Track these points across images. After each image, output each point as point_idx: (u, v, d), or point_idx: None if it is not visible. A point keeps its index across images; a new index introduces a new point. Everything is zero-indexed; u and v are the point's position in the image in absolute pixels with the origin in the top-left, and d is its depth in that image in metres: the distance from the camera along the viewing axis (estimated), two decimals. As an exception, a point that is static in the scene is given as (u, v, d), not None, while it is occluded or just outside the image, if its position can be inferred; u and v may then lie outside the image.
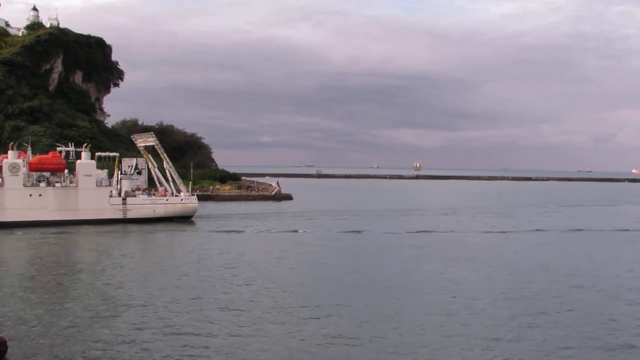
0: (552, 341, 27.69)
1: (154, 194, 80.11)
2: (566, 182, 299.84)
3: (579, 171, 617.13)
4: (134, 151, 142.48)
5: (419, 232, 70.93)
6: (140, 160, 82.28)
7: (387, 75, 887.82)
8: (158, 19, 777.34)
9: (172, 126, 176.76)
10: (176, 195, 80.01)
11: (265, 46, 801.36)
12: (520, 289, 38.97)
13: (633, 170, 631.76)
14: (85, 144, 79.62)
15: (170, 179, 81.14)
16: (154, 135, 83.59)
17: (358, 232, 69.84)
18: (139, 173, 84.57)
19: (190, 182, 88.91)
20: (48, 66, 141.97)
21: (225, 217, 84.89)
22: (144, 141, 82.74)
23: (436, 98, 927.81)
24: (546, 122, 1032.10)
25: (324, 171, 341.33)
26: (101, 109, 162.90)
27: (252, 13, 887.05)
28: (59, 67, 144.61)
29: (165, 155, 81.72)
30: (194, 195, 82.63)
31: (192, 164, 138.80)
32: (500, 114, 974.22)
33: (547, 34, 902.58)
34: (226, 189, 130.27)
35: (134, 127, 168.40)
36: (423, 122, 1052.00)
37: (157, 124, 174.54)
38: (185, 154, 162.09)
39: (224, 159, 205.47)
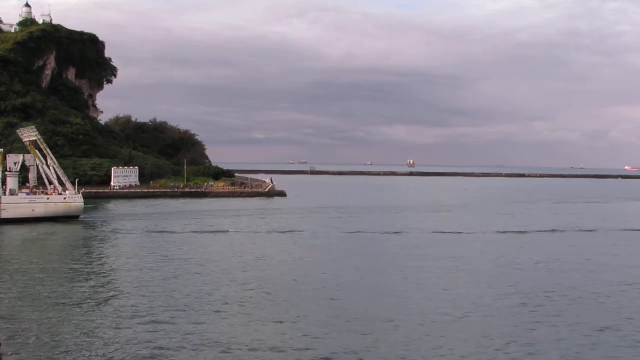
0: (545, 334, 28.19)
1: (38, 193, 75.20)
2: (559, 179, 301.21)
3: (572, 168, 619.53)
4: (127, 148, 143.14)
5: (413, 230, 71.36)
6: (28, 157, 77.45)
7: (383, 72, 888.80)
8: (152, 15, 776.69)
9: (166, 123, 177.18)
10: (60, 194, 74.52)
11: (260, 43, 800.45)
12: (514, 287, 39.50)
13: (626, 167, 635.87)
14: None
15: (55, 176, 76.20)
16: (36, 130, 78.54)
17: (350, 232, 70.26)
18: (27, 170, 79.61)
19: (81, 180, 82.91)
20: (41, 63, 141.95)
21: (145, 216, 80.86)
22: (28, 136, 77.33)
23: (431, 95, 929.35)
24: (540, 119, 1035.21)
25: (318, 168, 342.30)
26: (94, 106, 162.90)
27: (247, 9, 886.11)
28: (52, 63, 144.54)
29: (49, 151, 76.76)
30: (79, 194, 76.69)
31: (185, 160, 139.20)
32: (494, 110, 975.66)
33: (543, 30, 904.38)
34: (220, 185, 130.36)
35: (128, 124, 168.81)
36: (417, 119, 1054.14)
37: (150, 121, 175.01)
38: (179, 150, 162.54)
39: (217, 156, 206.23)
